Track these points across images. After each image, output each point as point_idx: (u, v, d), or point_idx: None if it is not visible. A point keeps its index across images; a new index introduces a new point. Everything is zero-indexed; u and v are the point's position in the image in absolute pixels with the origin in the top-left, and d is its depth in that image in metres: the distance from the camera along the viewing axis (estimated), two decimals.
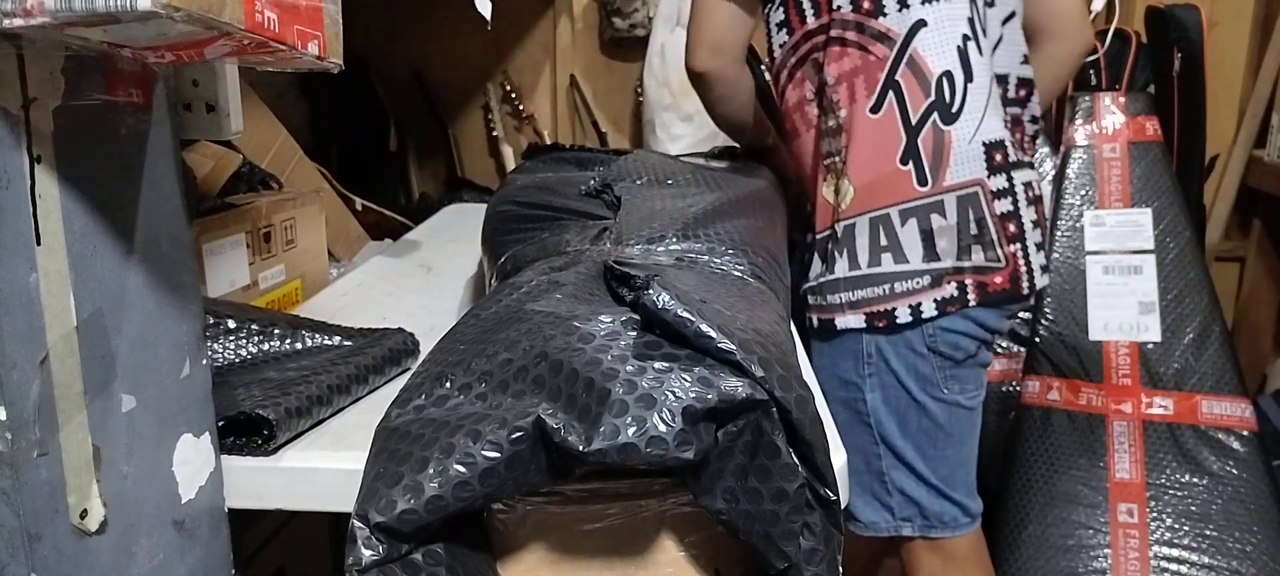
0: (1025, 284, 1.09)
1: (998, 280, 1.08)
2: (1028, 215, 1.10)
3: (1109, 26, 1.81)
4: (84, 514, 0.50)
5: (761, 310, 0.67)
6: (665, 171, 1.00)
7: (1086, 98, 1.68)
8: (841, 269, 1.11)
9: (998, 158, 1.08)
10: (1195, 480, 1.51)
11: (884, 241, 1.08)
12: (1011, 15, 1.15)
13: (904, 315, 1.08)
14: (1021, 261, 1.09)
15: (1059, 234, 1.64)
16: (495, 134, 2.38)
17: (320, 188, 1.47)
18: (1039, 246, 1.12)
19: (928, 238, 1.07)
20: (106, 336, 0.51)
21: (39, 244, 0.46)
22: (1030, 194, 1.11)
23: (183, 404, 0.58)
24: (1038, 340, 1.60)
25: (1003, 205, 1.08)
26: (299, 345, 0.81)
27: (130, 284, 0.53)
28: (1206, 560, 1.46)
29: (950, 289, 1.07)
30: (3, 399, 0.44)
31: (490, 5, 1.02)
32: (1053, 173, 1.74)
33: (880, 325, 1.09)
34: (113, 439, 0.52)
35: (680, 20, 2.04)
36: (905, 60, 1.05)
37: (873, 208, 1.08)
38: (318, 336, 0.82)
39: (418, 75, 2.37)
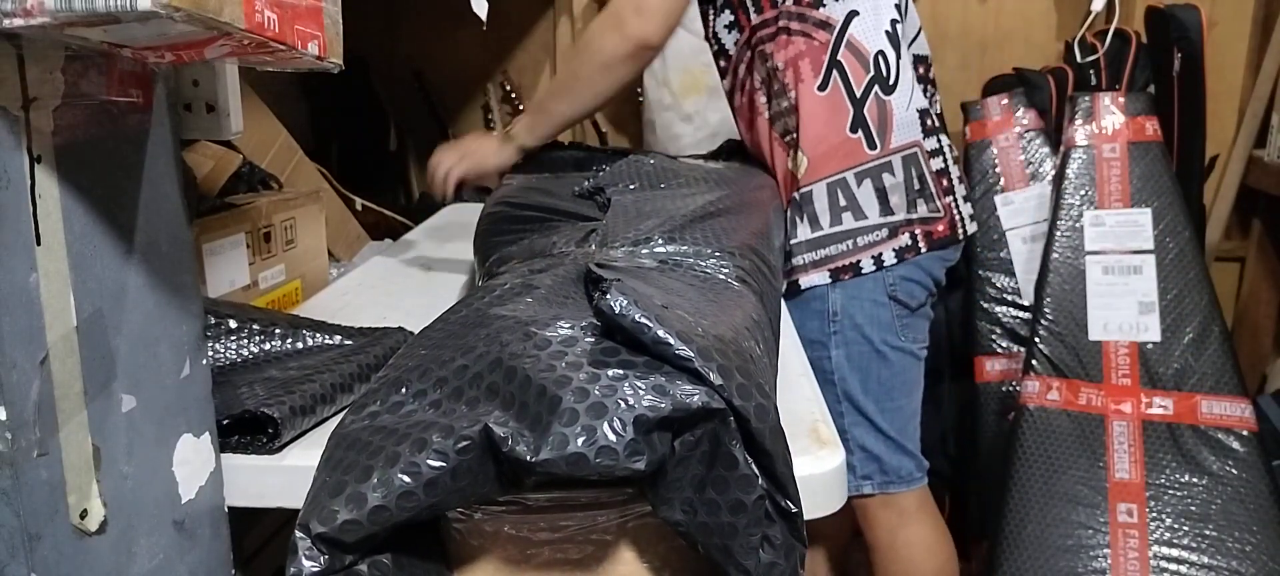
0: (960, 230, 1.27)
1: (940, 228, 1.24)
2: (954, 171, 1.27)
3: (1109, 26, 1.81)
4: (84, 514, 0.50)
5: (734, 315, 0.65)
6: (661, 172, 1.00)
7: (1086, 98, 1.68)
8: (803, 232, 1.23)
9: (928, 122, 1.24)
10: (1195, 480, 1.50)
11: (843, 202, 1.21)
12: None
13: (868, 265, 1.22)
14: (955, 211, 1.26)
15: (1059, 234, 1.64)
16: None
17: (320, 188, 1.47)
18: (965, 199, 1.29)
19: (882, 194, 1.21)
20: (106, 336, 0.51)
21: (39, 244, 0.46)
22: (952, 154, 1.28)
23: (183, 404, 0.58)
24: (1037, 340, 1.60)
25: (936, 163, 1.24)
26: (300, 344, 0.81)
27: (130, 284, 0.53)
28: (1206, 560, 1.46)
29: (904, 238, 1.22)
30: (3, 399, 0.44)
31: (486, 7, 1.03)
32: (1053, 173, 1.74)
33: (845, 277, 1.22)
34: (113, 439, 0.52)
35: (682, 23, 2.03)
36: (844, 43, 1.19)
37: (827, 174, 1.21)
38: (318, 336, 0.82)
39: (418, 75, 2.37)
